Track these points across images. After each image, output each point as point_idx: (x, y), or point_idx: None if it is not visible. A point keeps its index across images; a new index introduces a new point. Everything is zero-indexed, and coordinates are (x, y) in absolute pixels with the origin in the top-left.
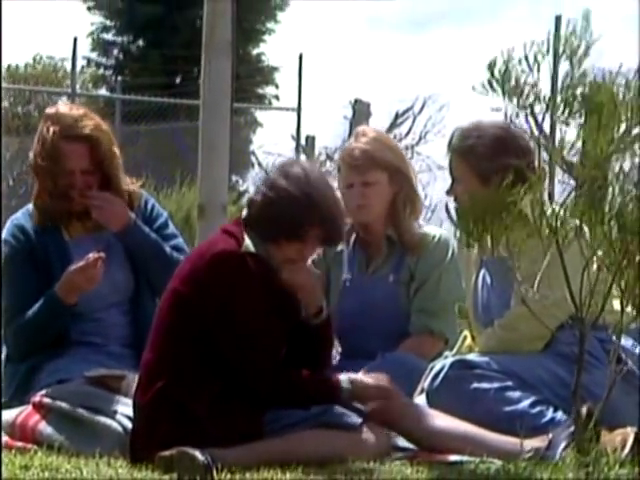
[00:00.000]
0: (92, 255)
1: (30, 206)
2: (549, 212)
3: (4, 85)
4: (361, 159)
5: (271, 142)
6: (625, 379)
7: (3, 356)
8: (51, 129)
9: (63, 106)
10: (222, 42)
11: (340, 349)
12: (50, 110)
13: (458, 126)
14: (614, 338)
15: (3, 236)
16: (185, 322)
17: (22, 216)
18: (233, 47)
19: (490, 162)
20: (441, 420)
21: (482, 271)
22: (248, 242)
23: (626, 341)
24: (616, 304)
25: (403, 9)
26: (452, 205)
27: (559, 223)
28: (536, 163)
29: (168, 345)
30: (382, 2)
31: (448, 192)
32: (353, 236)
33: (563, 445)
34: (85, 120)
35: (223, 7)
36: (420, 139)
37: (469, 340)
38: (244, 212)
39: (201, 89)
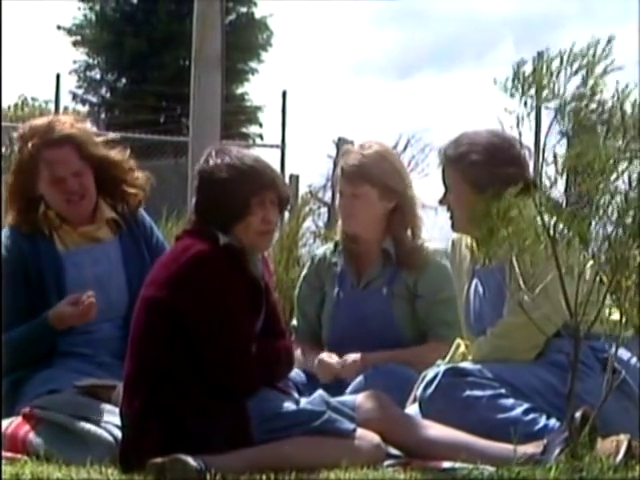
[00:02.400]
0: (85, 298)
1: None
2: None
3: None
4: (352, 171)
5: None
6: (618, 387)
7: None
8: (29, 144)
9: (31, 121)
10: (212, 56)
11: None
12: (20, 130)
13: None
14: (607, 347)
15: None
16: (165, 327)
17: (16, 228)
18: (223, 61)
19: (483, 170)
20: (433, 430)
21: (474, 281)
22: (223, 237)
23: (619, 350)
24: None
25: (387, 55)
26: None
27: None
28: (530, 171)
29: (148, 353)
30: (367, 47)
31: (441, 201)
32: (342, 250)
33: (558, 450)
34: (58, 123)
35: (213, 21)
36: None
37: (462, 348)
38: (192, 217)
39: (191, 104)
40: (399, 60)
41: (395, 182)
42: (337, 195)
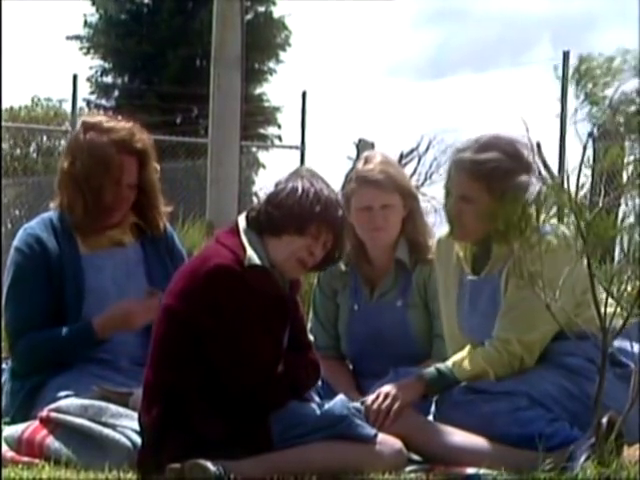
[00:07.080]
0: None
1: (46, 215)
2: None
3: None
4: (383, 181)
5: (274, 183)
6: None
7: (5, 369)
8: (104, 138)
9: (106, 118)
10: (231, 56)
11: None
12: (94, 118)
13: (464, 142)
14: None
15: (15, 244)
16: (180, 339)
17: (37, 226)
18: (243, 62)
19: (506, 181)
20: (456, 436)
21: (463, 292)
22: (250, 252)
23: (623, 342)
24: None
25: (420, 55)
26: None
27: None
28: (533, 178)
29: (166, 362)
30: (401, 49)
31: (449, 207)
32: (354, 263)
33: (584, 457)
34: (138, 134)
35: (232, 20)
36: (425, 180)
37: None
38: (249, 209)
39: (210, 104)
40: (433, 61)
41: (411, 187)
42: (354, 209)
